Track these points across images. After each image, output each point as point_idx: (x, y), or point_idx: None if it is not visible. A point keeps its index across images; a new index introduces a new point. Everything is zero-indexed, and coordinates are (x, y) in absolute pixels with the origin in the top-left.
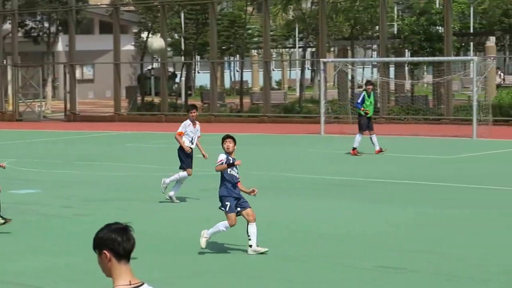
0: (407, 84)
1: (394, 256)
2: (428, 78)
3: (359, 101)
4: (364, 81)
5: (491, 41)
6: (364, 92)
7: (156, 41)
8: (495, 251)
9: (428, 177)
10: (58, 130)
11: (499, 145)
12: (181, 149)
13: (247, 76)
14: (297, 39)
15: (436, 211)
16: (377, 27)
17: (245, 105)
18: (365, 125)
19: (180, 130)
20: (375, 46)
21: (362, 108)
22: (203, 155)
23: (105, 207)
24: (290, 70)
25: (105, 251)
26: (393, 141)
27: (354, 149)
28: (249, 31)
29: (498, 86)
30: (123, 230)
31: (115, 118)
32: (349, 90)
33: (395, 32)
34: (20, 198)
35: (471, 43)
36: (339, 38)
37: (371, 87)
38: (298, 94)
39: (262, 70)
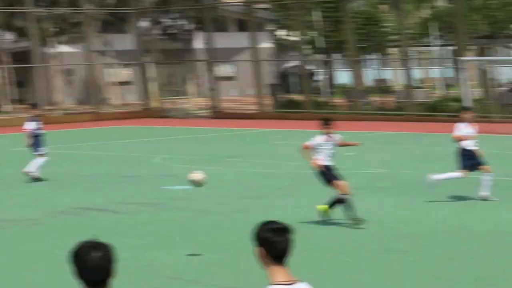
0: None
1: None
2: None
3: None
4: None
5: None
6: None
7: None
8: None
9: None
10: (204, 127)
11: None
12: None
13: (387, 74)
14: (434, 37)
15: None
16: None
17: (388, 103)
18: None
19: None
20: None
21: None
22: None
23: (253, 205)
24: (430, 68)
25: (261, 248)
26: None
27: None
28: (385, 29)
29: None
30: (281, 231)
31: (259, 115)
32: (494, 89)
33: None
34: (173, 194)
35: None
36: (478, 37)
37: None
38: (441, 93)
39: (402, 68)
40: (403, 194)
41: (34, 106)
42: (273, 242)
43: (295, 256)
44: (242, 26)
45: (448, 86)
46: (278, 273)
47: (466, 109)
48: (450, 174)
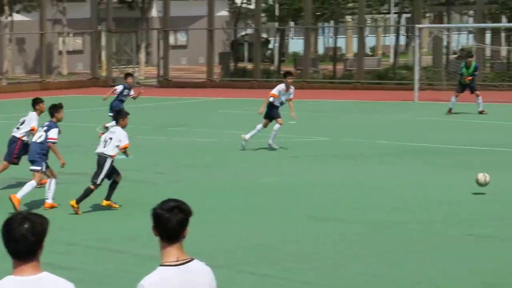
0: (503, 50)
1: (481, 224)
2: None
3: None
4: (460, 47)
5: None
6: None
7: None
8: None
9: None
10: (151, 96)
11: None
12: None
13: (341, 42)
14: (392, 4)
15: None
16: None
17: (338, 72)
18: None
19: (275, 92)
20: (471, 12)
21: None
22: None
23: (193, 173)
24: (384, 36)
25: (154, 228)
26: (488, 107)
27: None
28: None
29: None
30: (172, 209)
31: (208, 84)
32: (444, 57)
33: None
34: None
35: None
36: (435, 4)
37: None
38: (392, 61)
39: (356, 36)
40: (336, 162)
41: None
42: (160, 222)
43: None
44: None
45: (400, 53)
46: (170, 253)
47: (288, 74)
48: (256, 128)
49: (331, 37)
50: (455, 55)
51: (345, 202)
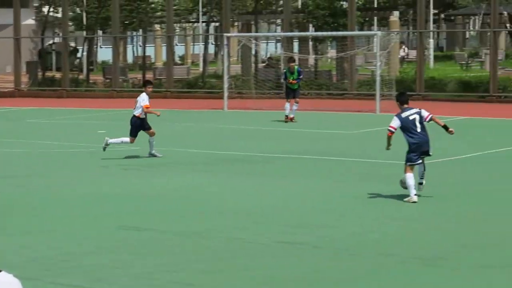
0: (311, 59)
1: (291, 231)
2: (332, 53)
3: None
4: (268, 56)
5: (395, 16)
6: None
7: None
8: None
9: (329, 152)
10: None
11: None
12: (137, 117)
13: (150, 51)
14: (200, 13)
15: (336, 184)
16: (281, 1)
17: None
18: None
19: (148, 103)
20: (279, 21)
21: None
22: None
23: (2, 184)
24: (193, 45)
25: None
26: (297, 116)
27: (286, 116)
28: (152, 5)
29: (402, 60)
30: None
31: (15, 94)
32: (253, 65)
33: (299, 7)
34: None
35: (375, 18)
36: (243, 13)
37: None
38: (201, 69)
39: (165, 45)
40: (144, 171)
41: None
42: None
43: None
44: (5, 1)
45: (210, 62)
46: None
47: (149, 83)
48: (122, 138)
49: (140, 46)
50: (264, 64)
51: (156, 211)
